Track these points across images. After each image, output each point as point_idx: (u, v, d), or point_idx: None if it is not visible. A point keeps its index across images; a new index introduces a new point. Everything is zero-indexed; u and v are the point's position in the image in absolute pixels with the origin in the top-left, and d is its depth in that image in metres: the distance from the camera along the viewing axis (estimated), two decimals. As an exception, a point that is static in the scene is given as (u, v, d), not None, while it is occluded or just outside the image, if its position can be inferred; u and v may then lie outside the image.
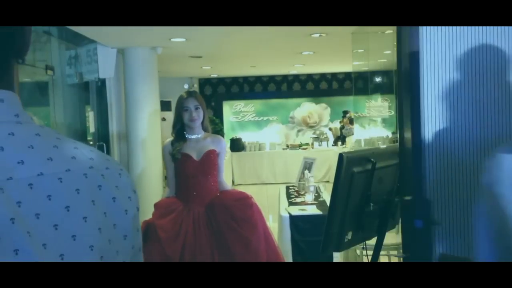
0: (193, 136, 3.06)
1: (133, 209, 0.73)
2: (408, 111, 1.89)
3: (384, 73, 8.11)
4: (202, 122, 3.05)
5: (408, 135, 1.89)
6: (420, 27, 1.84)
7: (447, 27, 1.70)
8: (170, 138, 3.11)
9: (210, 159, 3.03)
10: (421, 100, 1.85)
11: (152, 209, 7.67)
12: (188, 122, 3.01)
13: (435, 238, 1.22)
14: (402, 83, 1.95)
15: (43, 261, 0.58)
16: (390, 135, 8.04)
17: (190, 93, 3.09)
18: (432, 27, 1.78)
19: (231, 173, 10.08)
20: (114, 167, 0.72)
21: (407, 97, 1.90)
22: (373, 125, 8.04)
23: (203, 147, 3.04)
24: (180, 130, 3.05)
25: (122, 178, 0.73)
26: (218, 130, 11.12)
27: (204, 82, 12.28)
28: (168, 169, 3.12)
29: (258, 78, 12.20)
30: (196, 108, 3.00)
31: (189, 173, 3.01)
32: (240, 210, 2.96)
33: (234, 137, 11.23)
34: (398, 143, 2.06)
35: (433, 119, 1.84)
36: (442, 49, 1.76)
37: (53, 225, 0.61)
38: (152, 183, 6.86)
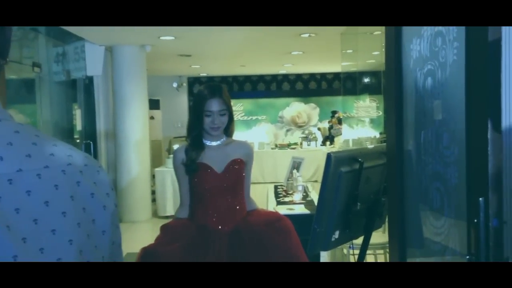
0: (214, 143, 2.35)
1: (112, 206, 0.74)
2: (394, 111, 1.90)
3: (372, 73, 8.16)
4: (227, 127, 2.35)
5: (394, 135, 1.90)
6: (408, 29, 1.86)
7: (433, 27, 1.72)
8: (183, 144, 2.42)
9: (236, 171, 2.33)
10: (404, 100, 1.87)
11: (140, 209, 7.57)
12: (209, 130, 2.29)
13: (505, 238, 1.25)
14: (388, 83, 1.96)
15: (23, 255, 0.59)
16: (377, 135, 8.09)
17: (214, 91, 2.28)
18: (420, 28, 1.79)
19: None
20: (92, 164, 0.74)
21: (393, 98, 1.91)
22: (361, 125, 8.09)
23: (227, 155, 2.34)
24: (197, 136, 2.33)
25: (100, 175, 0.74)
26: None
27: (193, 81, 12.24)
28: (181, 183, 2.36)
29: (248, 78, 12.21)
30: (222, 114, 2.27)
31: (209, 188, 2.29)
32: (273, 239, 2.23)
33: (223, 136, 11.20)
34: (385, 143, 2.08)
35: (420, 119, 1.86)
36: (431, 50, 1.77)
37: (33, 219, 0.62)
38: (140, 182, 6.83)
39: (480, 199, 1.24)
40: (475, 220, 1.25)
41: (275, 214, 2.47)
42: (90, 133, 6.96)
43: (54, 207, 0.64)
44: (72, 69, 6.58)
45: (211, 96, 2.27)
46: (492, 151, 1.25)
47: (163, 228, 2.32)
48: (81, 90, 6.93)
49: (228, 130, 2.37)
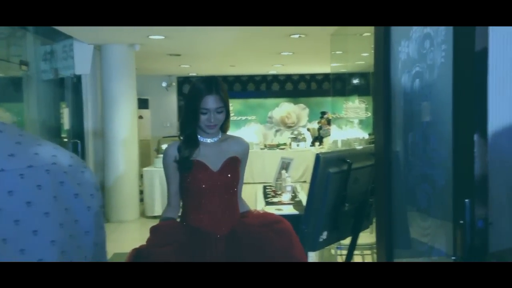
0: (209, 140, 2.20)
1: (96, 206, 0.74)
2: (382, 113, 1.91)
3: (361, 75, 8.20)
4: (223, 123, 2.20)
5: (381, 136, 1.91)
6: (396, 30, 1.87)
7: (423, 28, 1.73)
8: (175, 141, 2.25)
9: (232, 170, 2.19)
10: (393, 101, 1.88)
11: (127, 209, 7.53)
12: (205, 128, 2.14)
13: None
14: (377, 85, 1.97)
15: (2, 256, 0.58)
16: (366, 137, 8.13)
17: (211, 86, 2.09)
18: (409, 30, 1.81)
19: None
20: (77, 164, 0.73)
21: (381, 99, 1.92)
22: (350, 126, 8.13)
23: (223, 153, 2.19)
24: (192, 133, 2.18)
25: (85, 175, 0.73)
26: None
27: (183, 81, 12.21)
28: (171, 182, 2.20)
29: (237, 78, 12.20)
30: (219, 112, 2.11)
31: (204, 188, 2.12)
32: (273, 242, 2.07)
33: (212, 136, 11.21)
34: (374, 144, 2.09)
35: (408, 120, 1.87)
36: (419, 50, 1.78)
37: (14, 220, 0.61)
38: (128, 182, 6.79)
39: (466, 200, 1.26)
40: (461, 221, 1.26)
41: (273, 215, 2.28)
42: (77, 132, 6.90)
43: (37, 208, 0.63)
44: (60, 67, 6.52)
45: (207, 92, 2.08)
46: (478, 153, 1.26)
47: (154, 230, 2.12)
48: (69, 89, 6.88)
49: (223, 127, 2.22)
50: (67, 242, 0.66)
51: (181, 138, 2.21)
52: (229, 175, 2.17)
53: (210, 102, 2.08)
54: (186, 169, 2.14)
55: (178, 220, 2.22)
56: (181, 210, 2.23)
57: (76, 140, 6.66)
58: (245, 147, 2.31)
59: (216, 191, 2.14)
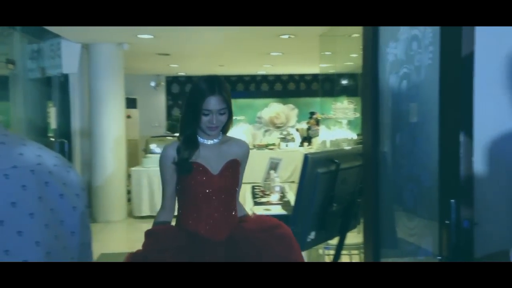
0: (210, 142, 2.10)
1: (82, 206, 0.73)
2: (370, 114, 1.93)
3: (350, 75, 8.25)
4: (224, 125, 2.10)
5: (369, 137, 1.92)
6: (384, 32, 1.88)
7: (410, 30, 1.75)
8: (173, 141, 2.15)
9: (233, 173, 2.11)
10: (381, 102, 1.89)
11: (115, 209, 7.48)
12: (206, 130, 2.04)
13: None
14: (365, 86, 1.99)
15: None
16: (355, 137, 8.17)
17: (213, 86, 2.00)
18: (397, 32, 1.82)
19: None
20: (62, 165, 0.73)
21: (369, 100, 1.93)
22: (338, 126, 8.16)
23: (223, 155, 2.10)
24: (192, 134, 2.09)
25: (70, 175, 0.73)
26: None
27: (172, 80, 12.17)
28: (167, 184, 2.11)
29: (226, 78, 11.88)
30: (222, 113, 2.02)
31: (203, 192, 2.04)
32: (273, 248, 1.98)
33: (201, 136, 11.20)
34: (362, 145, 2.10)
35: (395, 121, 1.88)
36: (407, 51, 1.80)
37: None
38: (115, 182, 6.75)
39: (452, 201, 1.27)
40: (447, 222, 1.27)
41: (272, 220, 2.15)
42: (64, 132, 6.84)
43: (21, 208, 0.63)
44: (48, 66, 6.46)
45: (210, 93, 1.98)
46: (463, 154, 1.28)
47: (150, 234, 2.03)
48: (56, 88, 6.82)
49: (224, 128, 2.12)
50: (52, 243, 0.66)
51: (180, 138, 2.11)
52: (229, 179, 2.08)
53: (213, 103, 1.98)
54: (185, 171, 2.04)
55: (173, 223, 2.14)
56: (175, 212, 2.14)
57: (63, 140, 6.60)
58: (246, 150, 2.21)
59: (215, 195, 2.04)
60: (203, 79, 2.03)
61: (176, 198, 2.12)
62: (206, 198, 2.03)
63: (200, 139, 2.09)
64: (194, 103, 2.00)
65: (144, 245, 1.99)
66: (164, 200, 2.13)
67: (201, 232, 2.01)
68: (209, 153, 2.08)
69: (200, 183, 2.03)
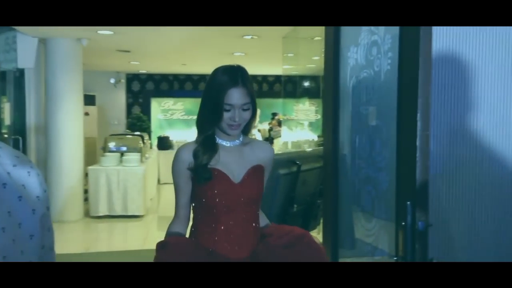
0: (229, 144, 1.80)
1: (42, 209, 0.70)
2: (331, 116, 1.96)
3: (312, 78, 8.35)
4: (247, 123, 1.79)
5: (330, 139, 1.95)
6: (346, 36, 1.91)
7: (370, 36, 1.78)
8: (188, 143, 1.84)
9: (256, 181, 1.80)
10: (341, 105, 1.93)
11: (71, 208, 7.25)
12: (227, 128, 1.74)
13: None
14: (327, 88, 2.02)
15: None
16: (316, 138, 8.29)
17: (236, 79, 1.70)
18: (357, 37, 1.86)
19: (157, 172, 9.89)
20: (23, 165, 0.70)
21: (330, 102, 1.96)
22: (300, 128, 8.25)
23: (245, 161, 1.80)
24: (212, 135, 1.79)
25: (31, 177, 0.70)
26: (145, 127, 10.88)
27: (132, 78, 11.95)
28: (181, 192, 1.82)
29: (189, 77, 12.09)
30: (246, 109, 1.72)
31: (221, 203, 1.73)
32: (301, 260, 1.66)
33: (162, 135, 11.05)
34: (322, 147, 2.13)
35: (355, 124, 1.92)
36: (365, 54, 1.84)
37: None
38: (72, 181, 6.57)
39: (408, 203, 1.31)
40: (403, 223, 1.31)
41: (297, 230, 1.85)
42: (19, 128, 6.61)
43: None
44: (2, 60, 6.22)
45: (233, 85, 1.69)
46: (420, 157, 1.32)
47: (163, 247, 1.72)
48: (11, 83, 6.58)
49: (246, 128, 1.80)
50: (9, 246, 0.63)
51: (198, 140, 1.80)
52: (252, 188, 1.78)
53: (236, 96, 1.68)
54: (203, 179, 1.74)
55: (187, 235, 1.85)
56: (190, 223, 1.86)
57: (18, 136, 6.37)
58: (271, 154, 1.90)
59: (235, 206, 1.74)
60: (223, 70, 1.75)
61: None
62: (225, 210, 1.74)
63: (218, 140, 1.79)
64: (214, 96, 1.71)
65: (155, 258, 1.69)
66: (178, 209, 1.83)
67: (219, 249, 1.72)
68: (230, 157, 1.78)
69: (220, 193, 1.73)
